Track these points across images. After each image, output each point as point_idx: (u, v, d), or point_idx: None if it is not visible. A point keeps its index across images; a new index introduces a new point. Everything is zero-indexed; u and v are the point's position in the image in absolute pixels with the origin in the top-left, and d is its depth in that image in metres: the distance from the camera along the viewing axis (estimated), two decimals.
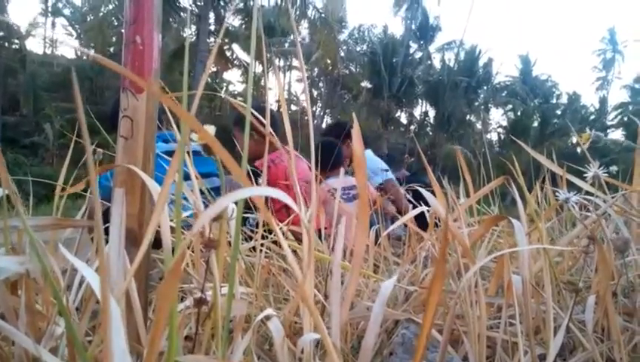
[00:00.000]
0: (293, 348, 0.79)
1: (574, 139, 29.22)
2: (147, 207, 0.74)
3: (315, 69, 25.73)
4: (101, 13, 21.99)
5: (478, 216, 1.78)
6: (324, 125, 27.58)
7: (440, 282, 0.48)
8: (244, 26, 21.66)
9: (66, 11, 25.23)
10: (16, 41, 21.05)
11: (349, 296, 0.73)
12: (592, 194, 1.20)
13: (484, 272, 1.59)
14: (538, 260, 1.19)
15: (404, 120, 31.63)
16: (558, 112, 32.46)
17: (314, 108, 28.13)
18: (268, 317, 0.75)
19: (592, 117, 32.87)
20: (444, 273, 0.55)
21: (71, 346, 0.62)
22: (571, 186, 1.31)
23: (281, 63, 25.42)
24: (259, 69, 22.99)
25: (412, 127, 30.84)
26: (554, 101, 33.38)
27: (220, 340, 0.62)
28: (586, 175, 1.12)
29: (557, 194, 1.07)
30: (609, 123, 32.60)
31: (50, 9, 24.44)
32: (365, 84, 28.27)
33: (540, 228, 1.12)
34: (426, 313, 0.50)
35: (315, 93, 27.30)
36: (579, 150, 25.28)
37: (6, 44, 20.75)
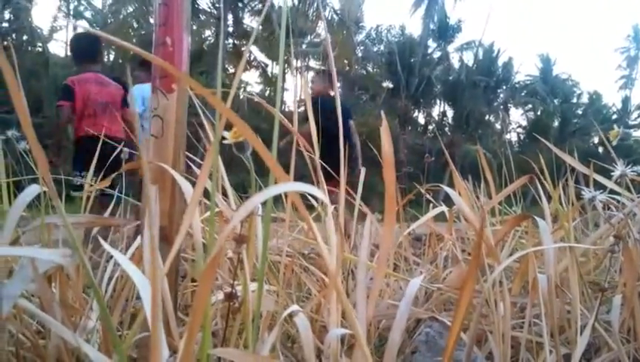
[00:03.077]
0: (320, 344, 0.80)
1: (596, 139, 28.72)
2: (178, 204, 0.76)
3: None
4: (121, 16, 22.30)
5: (500, 216, 1.78)
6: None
7: (472, 283, 0.48)
8: (261, 27, 21.78)
9: (87, 14, 25.64)
10: (39, 44, 21.48)
11: (374, 293, 0.74)
12: (616, 193, 1.18)
13: (506, 272, 1.58)
14: (561, 260, 1.18)
15: (421, 120, 31.48)
16: (579, 112, 31.97)
17: None
18: (291, 315, 0.76)
19: (614, 116, 32.26)
20: (476, 275, 0.55)
21: (105, 338, 0.64)
22: (594, 186, 1.30)
23: (299, 64, 25.49)
24: (277, 69, 23.11)
25: (430, 127, 30.67)
26: (574, 100, 32.88)
27: (251, 334, 0.64)
28: (612, 173, 1.11)
29: (582, 193, 1.07)
30: (632, 123, 31.96)
31: (71, 12, 24.86)
32: (387, 84, 28.14)
33: (566, 227, 1.12)
34: (456, 313, 0.50)
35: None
36: (600, 150, 24.84)
37: (30, 48, 21.17)
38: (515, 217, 1.08)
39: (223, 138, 0.66)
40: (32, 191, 0.67)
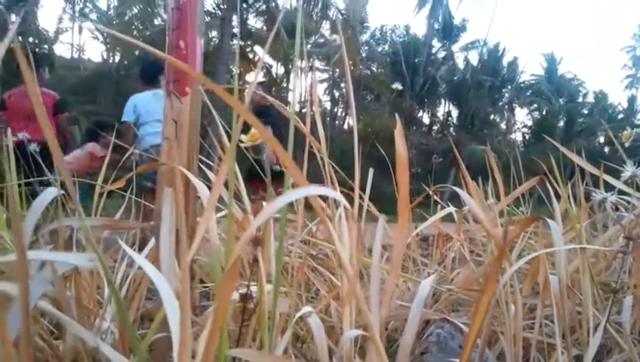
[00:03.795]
0: (333, 345, 0.80)
1: (601, 139, 28.57)
2: (191, 206, 0.76)
3: (337, 70, 25.71)
4: (127, 18, 22.36)
5: (508, 216, 1.77)
6: (345, 126, 27.55)
7: (491, 287, 0.49)
8: (265, 28, 21.79)
9: (93, 16, 25.72)
10: (45, 46, 21.59)
11: (387, 295, 0.74)
12: (626, 194, 1.18)
13: (516, 273, 1.58)
14: (571, 261, 1.18)
15: (426, 120, 31.42)
16: (585, 112, 31.79)
17: (335, 109, 28.16)
18: (301, 316, 0.77)
19: (620, 116, 32.06)
20: (495, 282, 0.55)
21: (122, 338, 0.65)
22: (599, 186, 1.30)
23: (304, 64, 25.44)
24: (281, 70, 23.19)
25: (435, 128, 30.60)
26: (580, 100, 32.69)
27: (267, 335, 0.64)
28: (622, 174, 1.11)
29: (593, 194, 1.07)
30: (638, 122, 31.75)
31: (77, 14, 24.96)
32: (397, 85, 28.10)
33: (578, 228, 1.12)
34: (474, 317, 0.51)
35: (337, 93, 27.34)
36: (606, 150, 24.69)
37: (36, 50, 21.28)
38: (526, 219, 1.08)
39: (240, 141, 0.67)
40: (49, 194, 0.68)
